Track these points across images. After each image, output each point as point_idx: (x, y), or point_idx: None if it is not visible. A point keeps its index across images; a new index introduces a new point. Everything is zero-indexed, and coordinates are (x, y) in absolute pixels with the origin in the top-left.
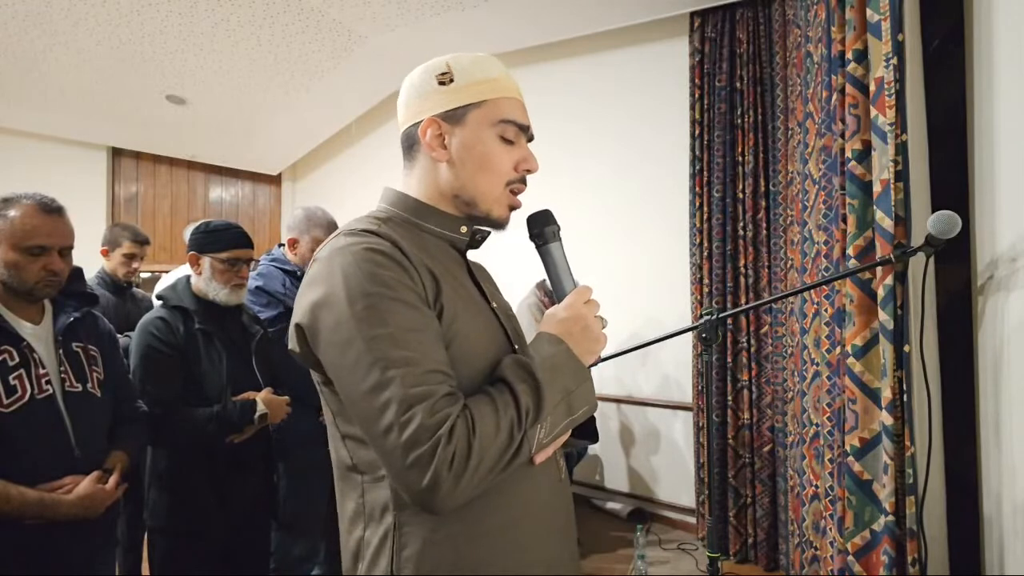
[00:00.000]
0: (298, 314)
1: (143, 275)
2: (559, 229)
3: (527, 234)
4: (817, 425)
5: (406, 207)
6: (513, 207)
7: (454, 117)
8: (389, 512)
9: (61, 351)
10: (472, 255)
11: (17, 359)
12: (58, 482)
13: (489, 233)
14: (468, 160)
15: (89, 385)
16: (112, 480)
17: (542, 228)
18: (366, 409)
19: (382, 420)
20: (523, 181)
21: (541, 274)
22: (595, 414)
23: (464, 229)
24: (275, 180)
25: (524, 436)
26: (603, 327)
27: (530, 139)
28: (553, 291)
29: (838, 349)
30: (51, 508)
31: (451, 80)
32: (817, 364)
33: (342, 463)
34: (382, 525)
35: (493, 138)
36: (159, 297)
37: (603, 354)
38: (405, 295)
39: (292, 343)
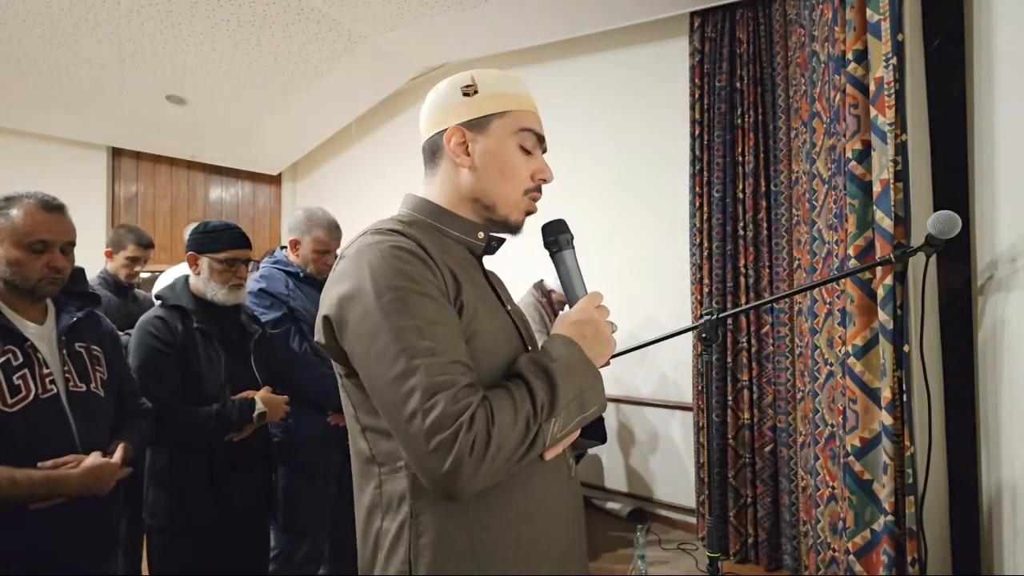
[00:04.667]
0: (326, 307)
1: (142, 275)
2: (572, 238)
3: (528, 238)
4: (832, 425)
5: (428, 212)
6: (530, 212)
7: (478, 126)
8: (406, 502)
9: (65, 351)
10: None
11: (21, 359)
12: (61, 459)
13: (504, 241)
14: (490, 166)
15: (93, 385)
16: (117, 454)
17: (556, 236)
18: (391, 397)
19: (407, 407)
20: (539, 190)
21: (538, 275)
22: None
23: (481, 235)
24: (275, 180)
25: (539, 429)
26: (613, 331)
27: (544, 151)
28: (565, 296)
29: (841, 349)
30: (59, 484)
31: (475, 92)
32: (831, 364)
33: (361, 456)
34: (399, 515)
35: (513, 146)
36: (158, 297)
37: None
38: (429, 290)
39: (319, 335)
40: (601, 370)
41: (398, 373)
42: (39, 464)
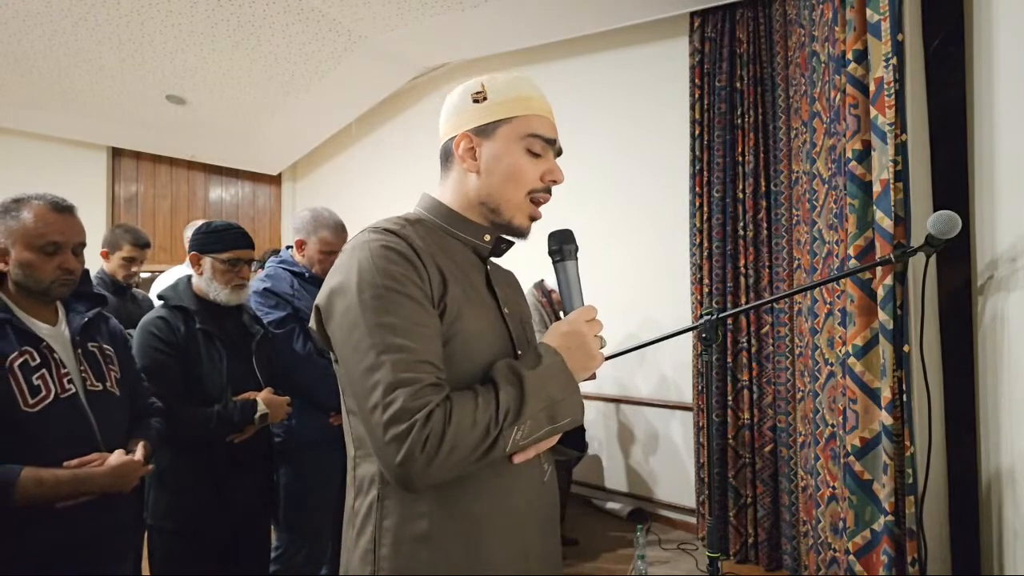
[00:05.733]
0: (319, 297)
1: (142, 275)
2: (577, 249)
3: (528, 238)
4: (832, 425)
5: (437, 213)
6: (534, 218)
7: (485, 131)
8: (375, 485)
9: (79, 351)
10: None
11: (38, 359)
12: (86, 458)
13: (512, 243)
14: (496, 171)
15: (108, 384)
16: (139, 451)
17: (561, 245)
18: (360, 388)
19: (370, 399)
20: (548, 191)
21: (538, 276)
22: (594, 414)
23: (487, 237)
24: (275, 180)
25: (500, 434)
26: (601, 347)
27: (558, 153)
28: (562, 305)
29: (842, 349)
30: (85, 482)
31: (484, 98)
32: (831, 364)
33: (347, 437)
34: (368, 496)
35: (520, 151)
36: (160, 297)
37: (605, 352)
38: (411, 291)
39: (312, 322)
40: (601, 370)
41: (367, 366)
42: (64, 463)
